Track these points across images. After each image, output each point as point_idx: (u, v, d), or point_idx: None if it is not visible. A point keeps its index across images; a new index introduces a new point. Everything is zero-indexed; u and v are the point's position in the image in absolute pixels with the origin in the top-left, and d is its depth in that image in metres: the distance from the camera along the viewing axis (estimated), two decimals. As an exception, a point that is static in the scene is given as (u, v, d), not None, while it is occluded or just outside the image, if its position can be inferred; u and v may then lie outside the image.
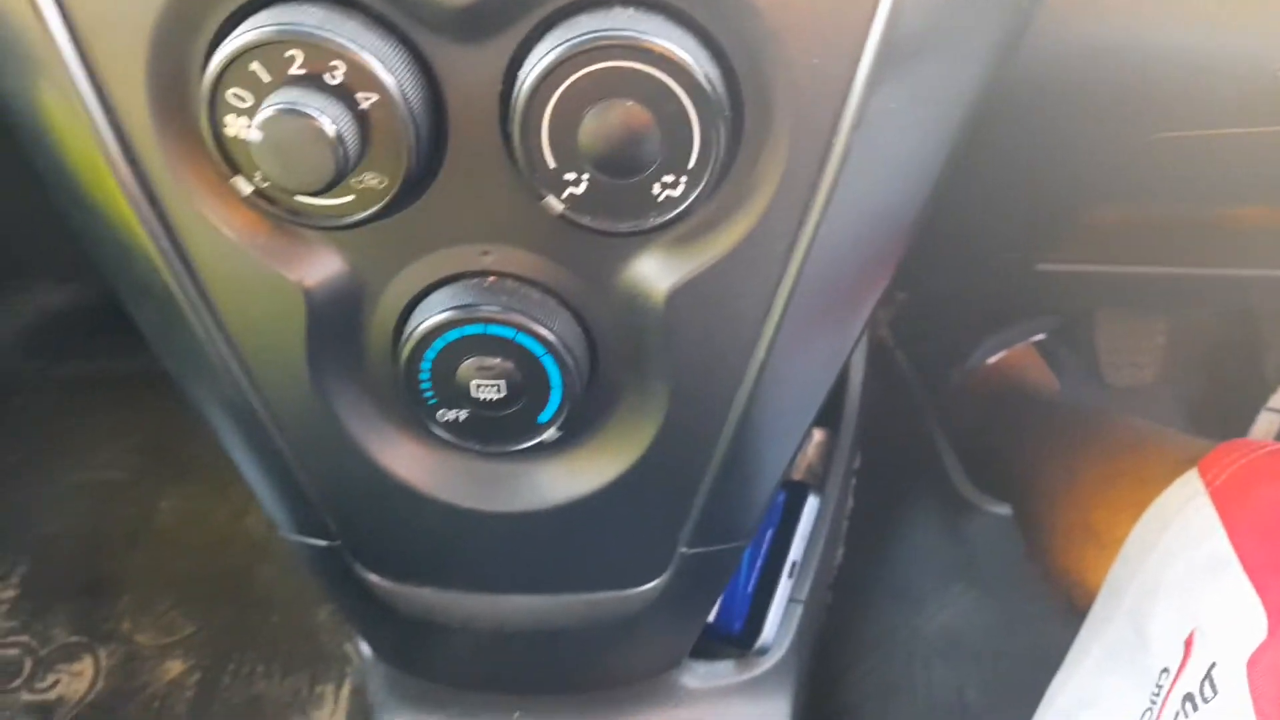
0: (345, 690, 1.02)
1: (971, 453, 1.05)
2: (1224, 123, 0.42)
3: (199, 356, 0.41)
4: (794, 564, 0.59)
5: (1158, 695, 0.52)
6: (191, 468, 1.17)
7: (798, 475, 0.68)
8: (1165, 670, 0.52)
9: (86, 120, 0.35)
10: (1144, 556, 0.55)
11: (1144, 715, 0.52)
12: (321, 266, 0.39)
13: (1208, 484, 0.53)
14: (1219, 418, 1.11)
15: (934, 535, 1.13)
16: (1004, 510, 1.07)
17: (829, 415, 0.65)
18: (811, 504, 0.60)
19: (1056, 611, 0.74)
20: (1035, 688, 0.65)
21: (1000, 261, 0.66)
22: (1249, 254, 0.71)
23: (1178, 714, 0.49)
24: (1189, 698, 0.49)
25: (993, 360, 1.00)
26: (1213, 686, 0.47)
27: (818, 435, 0.67)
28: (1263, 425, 1.05)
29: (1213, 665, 0.48)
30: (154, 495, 1.15)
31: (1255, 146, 0.43)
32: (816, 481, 0.63)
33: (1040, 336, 1.01)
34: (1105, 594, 0.58)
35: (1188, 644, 0.50)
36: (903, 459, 1.14)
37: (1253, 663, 0.44)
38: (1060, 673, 0.60)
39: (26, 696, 1.00)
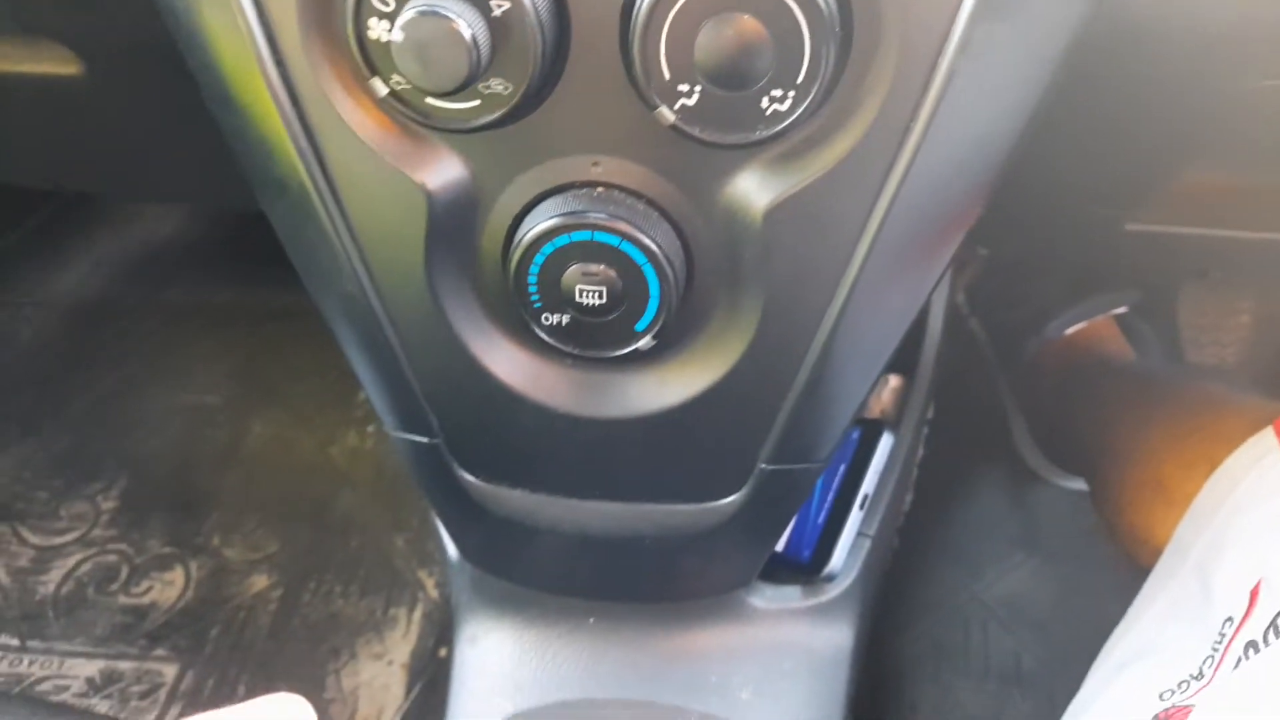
0: (417, 614, 1.07)
1: (1043, 423, 1.05)
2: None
3: (325, 253, 0.44)
4: (865, 496, 0.60)
5: (1219, 644, 0.52)
6: (281, 396, 1.23)
7: (873, 416, 0.69)
8: (1229, 620, 0.52)
9: (242, 25, 0.38)
10: (1214, 512, 0.56)
11: (1204, 663, 0.53)
12: (443, 171, 0.41)
13: (1283, 441, 0.53)
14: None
15: (998, 504, 1.13)
16: (1071, 484, 1.07)
17: (906, 361, 0.67)
18: (886, 440, 0.61)
19: (1119, 585, 0.74)
20: (1093, 658, 0.66)
21: (1089, 218, 0.66)
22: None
23: (1239, 660, 0.50)
24: (1251, 644, 0.50)
25: (1070, 331, 1.00)
26: (1276, 632, 0.48)
27: (894, 380, 0.68)
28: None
29: (1278, 614, 0.48)
30: (245, 420, 1.21)
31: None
32: (891, 423, 0.64)
33: (1121, 310, 1.01)
34: (1172, 549, 0.59)
35: (1253, 594, 0.51)
36: (971, 428, 1.15)
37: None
38: (1120, 625, 0.61)
39: (124, 599, 1.07)
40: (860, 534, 0.60)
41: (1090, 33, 0.40)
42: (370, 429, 1.20)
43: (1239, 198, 0.70)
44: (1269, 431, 0.55)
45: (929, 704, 1.01)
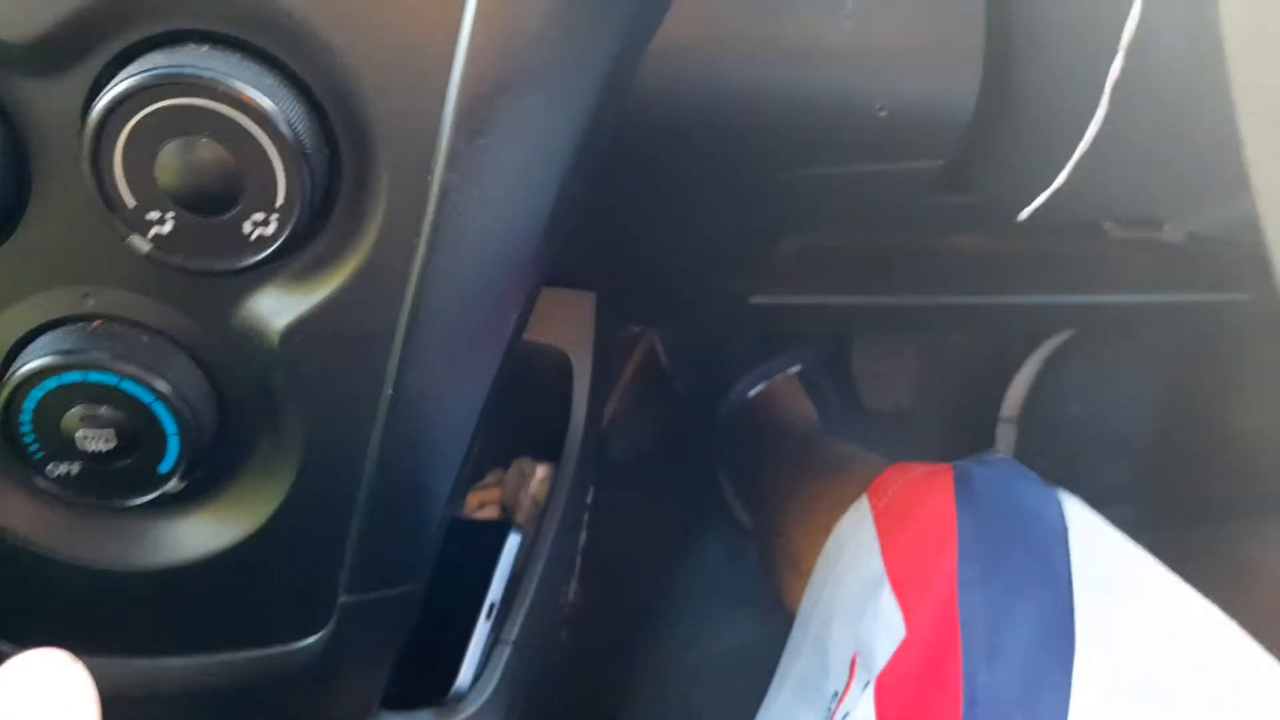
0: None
1: (743, 484, 1.08)
2: (839, 160, 0.44)
3: None
4: (492, 605, 0.58)
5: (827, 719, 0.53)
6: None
7: (520, 515, 0.67)
8: (836, 694, 0.53)
9: None
10: (824, 583, 0.57)
11: None
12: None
13: (873, 506, 0.55)
14: (974, 434, 1.18)
15: (718, 561, 1.15)
16: (778, 537, 1.10)
17: (554, 450, 0.65)
18: (512, 542, 0.59)
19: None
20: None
21: (716, 294, 0.69)
22: (955, 281, 0.76)
23: (836, 733, 0.51)
24: (847, 716, 0.50)
25: (753, 393, 1.03)
26: (863, 698, 0.49)
27: (542, 471, 0.67)
28: (1003, 437, 1.13)
29: (868, 683, 0.49)
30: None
31: (877, 183, 0.46)
32: (517, 523, 0.62)
33: (796, 369, 1.05)
34: (797, 623, 0.60)
35: (852, 665, 0.52)
36: (687, 488, 1.16)
37: (883, 674, 0.46)
38: (763, 704, 0.60)
39: None
40: (500, 642, 0.58)
41: (615, 132, 0.40)
42: None
43: (869, 261, 0.74)
44: (864, 497, 0.57)
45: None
